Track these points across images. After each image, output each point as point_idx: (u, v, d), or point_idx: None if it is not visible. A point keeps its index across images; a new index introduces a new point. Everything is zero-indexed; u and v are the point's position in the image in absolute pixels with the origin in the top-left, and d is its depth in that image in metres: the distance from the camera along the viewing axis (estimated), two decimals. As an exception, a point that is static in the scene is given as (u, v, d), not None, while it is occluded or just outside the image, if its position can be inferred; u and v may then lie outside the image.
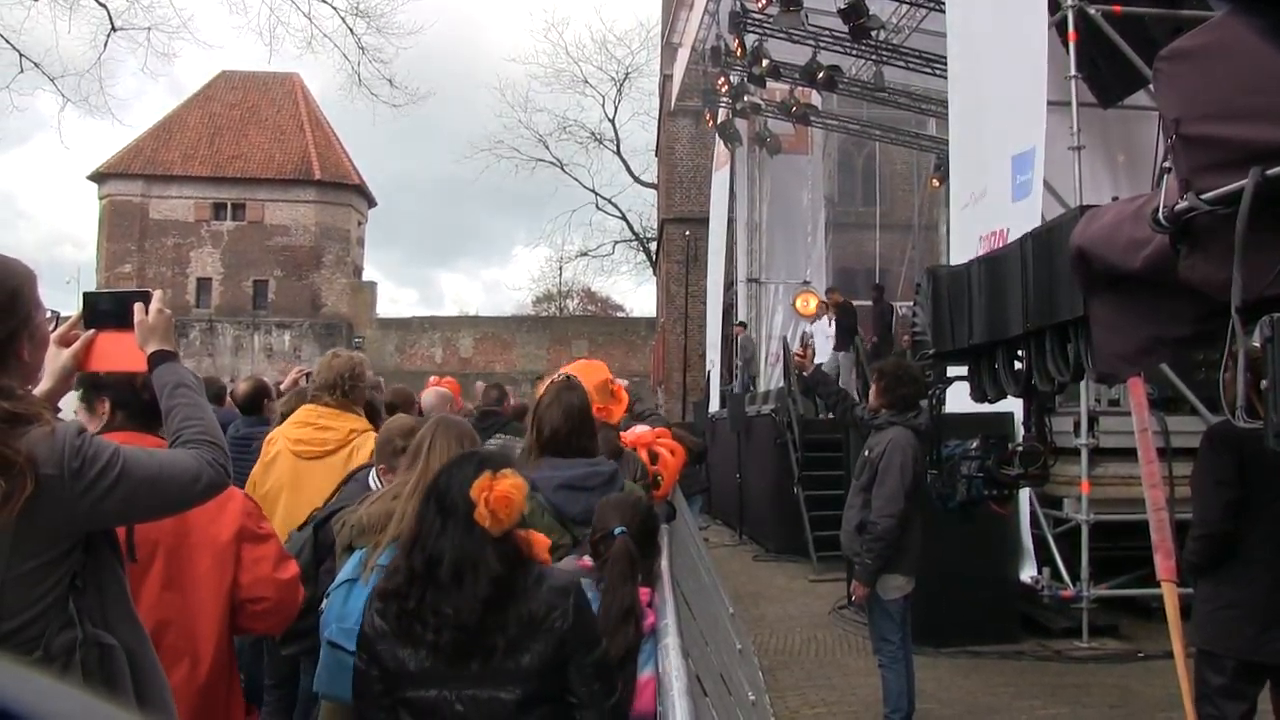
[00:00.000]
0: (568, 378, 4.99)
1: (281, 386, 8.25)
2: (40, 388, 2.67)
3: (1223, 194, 3.19)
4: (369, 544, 3.70)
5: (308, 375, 8.44)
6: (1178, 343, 4.54)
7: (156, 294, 2.91)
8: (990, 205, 11.04)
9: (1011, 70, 10.97)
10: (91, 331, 2.85)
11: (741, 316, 26.16)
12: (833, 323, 20.43)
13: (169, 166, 51.89)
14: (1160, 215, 3.47)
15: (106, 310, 2.88)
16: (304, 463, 5.46)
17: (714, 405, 26.78)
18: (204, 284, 52.12)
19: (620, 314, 67.50)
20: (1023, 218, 9.99)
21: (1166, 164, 3.46)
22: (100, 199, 52.44)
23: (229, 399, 8.83)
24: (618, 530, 3.70)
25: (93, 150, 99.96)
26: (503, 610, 2.88)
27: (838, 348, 19.50)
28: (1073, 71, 10.56)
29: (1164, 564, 5.46)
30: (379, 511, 3.77)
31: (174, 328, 2.95)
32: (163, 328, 2.86)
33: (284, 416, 6.20)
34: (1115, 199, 5.23)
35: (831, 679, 9.14)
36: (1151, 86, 3.44)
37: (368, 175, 56.91)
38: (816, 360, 8.55)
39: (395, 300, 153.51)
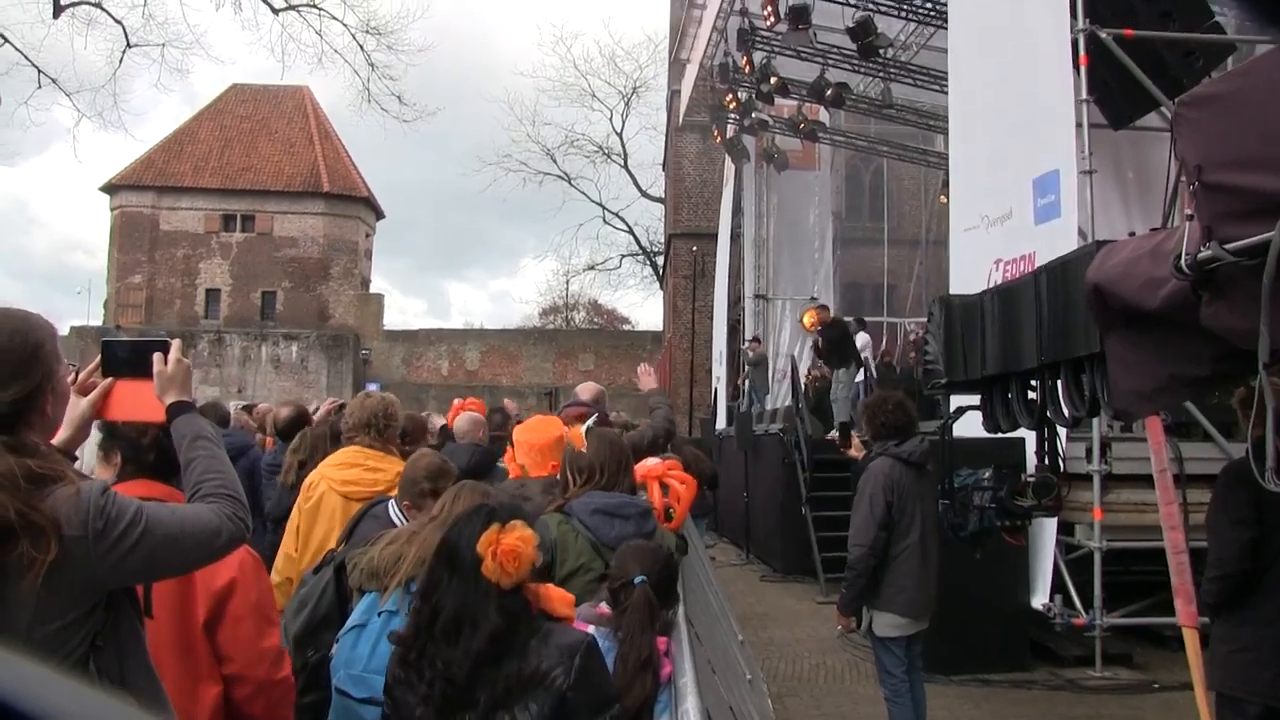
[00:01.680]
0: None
1: (315, 416, 8.19)
2: (58, 437, 2.64)
3: (1248, 245, 3.13)
4: (379, 587, 3.64)
5: (341, 407, 8.42)
6: (1196, 382, 4.46)
7: (175, 343, 2.88)
8: (1012, 229, 10.93)
9: (1028, 92, 10.89)
10: (110, 380, 2.82)
11: (749, 333, 26.10)
12: (819, 340, 20.23)
13: (180, 178, 52.01)
14: (1183, 262, 3.41)
15: (125, 359, 2.85)
16: (355, 504, 5.30)
17: (720, 422, 26.72)
18: (213, 295, 52.21)
19: (627, 327, 67.56)
20: (1050, 240, 9.91)
21: (1189, 212, 3.39)
22: (112, 210, 52.59)
23: (256, 424, 8.66)
24: (638, 579, 3.65)
25: (106, 161, 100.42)
26: (496, 666, 2.83)
27: (835, 365, 19.32)
28: (1084, 95, 10.51)
29: (1185, 609, 5.39)
30: (390, 555, 3.70)
31: (192, 376, 2.92)
32: (181, 378, 2.83)
33: (301, 465, 6.14)
34: (1132, 234, 5.17)
35: (841, 707, 9.08)
36: (1172, 131, 3.39)
37: (377, 185, 57.10)
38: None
39: (403, 310, 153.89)
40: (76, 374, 2.83)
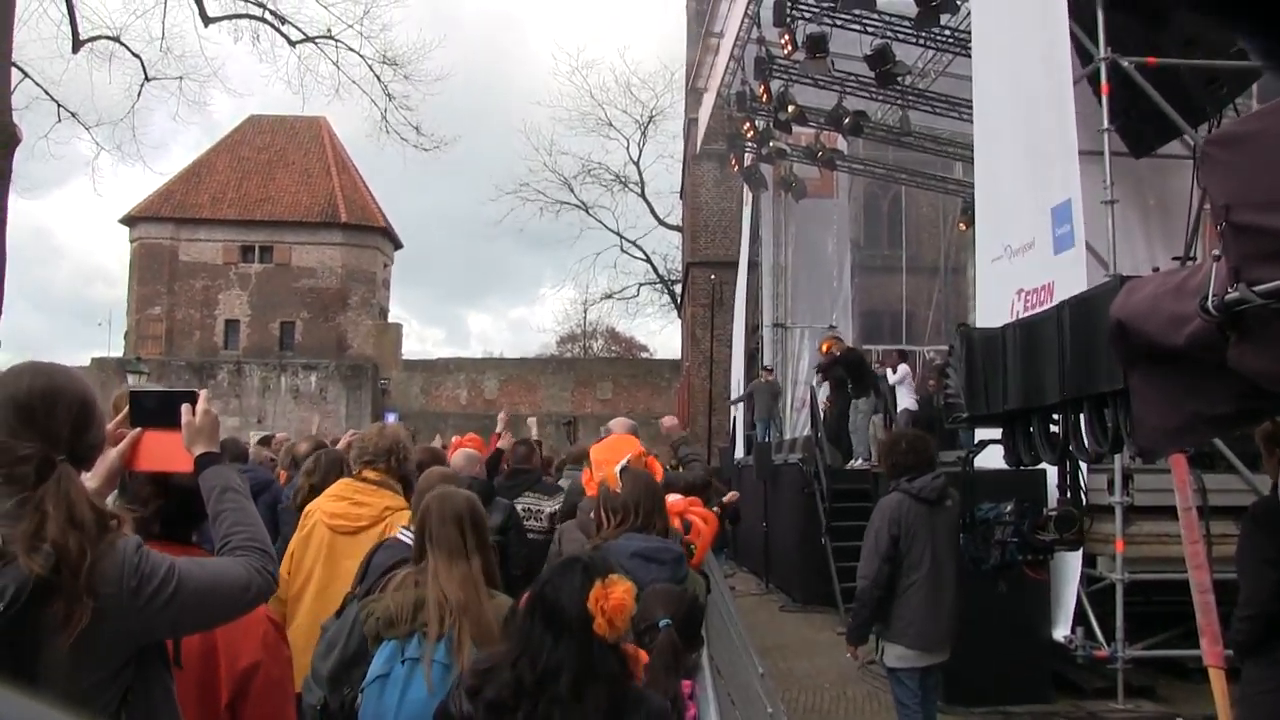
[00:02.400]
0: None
1: (338, 446, 8.20)
2: (87, 486, 2.64)
3: (1277, 288, 3.10)
4: (399, 635, 3.65)
5: None
6: (1221, 420, 4.42)
7: (203, 394, 2.90)
8: (1033, 259, 10.91)
9: (1043, 121, 10.88)
10: (138, 430, 2.84)
11: (767, 361, 26.05)
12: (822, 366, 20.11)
13: (198, 210, 52.22)
14: (1209, 303, 3.38)
15: (153, 409, 2.88)
16: (339, 537, 5.41)
17: (739, 451, 26.66)
18: (232, 325, 52.35)
19: (645, 354, 67.52)
20: (1066, 271, 9.90)
21: (1216, 252, 3.36)
22: (131, 241, 52.79)
23: (259, 455, 8.65)
24: (663, 622, 3.64)
25: (125, 193, 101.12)
26: (621, 715, 2.84)
27: (855, 395, 19.24)
28: (1105, 124, 10.49)
29: (1210, 649, 5.34)
30: (406, 601, 3.71)
31: (219, 428, 2.93)
32: (209, 429, 2.85)
33: (313, 489, 6.13)
34: (1156, 269, 5.14)
35: (862, 741, 9.02)
36: (1195, 166, 3.36)
37: (394, 214, 57.24)
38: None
39: (422, 339, 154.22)
40: None
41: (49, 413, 2.38)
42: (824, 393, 22.01)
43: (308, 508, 5.76)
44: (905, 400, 19.26)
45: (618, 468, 4.95)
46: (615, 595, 2.79)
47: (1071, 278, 9.59)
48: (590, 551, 3.98)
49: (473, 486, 6.10)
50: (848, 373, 18.65)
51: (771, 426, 22.96)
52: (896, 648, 7.03)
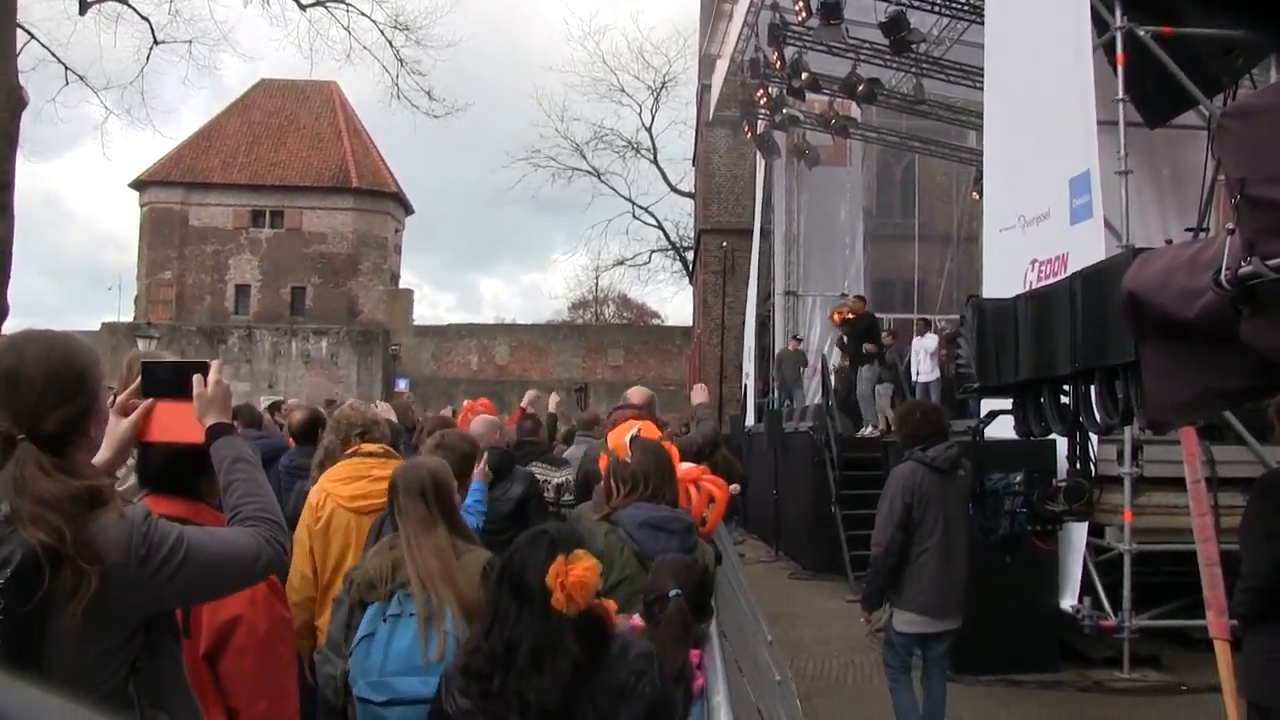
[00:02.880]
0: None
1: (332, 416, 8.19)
2: (98, 458, 2.66)
3: (1292, 262, 3.11)
4: (379, 597, 3.77)
5: None
6: (1232, 394, 4.44)
7: (215, 364, 2.89)
8: (1048, 229, 10.87)
9: (1061, 90, 10.82)
10: (150, 401, 2.85)
11: (779, 330, 26.03)
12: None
13: (208, 174, 52.20)
14: (1222, 277, 3.38)
15: (165, 379, 2.87)
16: (366, 518, 5.22)
17: (750, 419, 26.69)
18: (242, 290, 52.41)
19: (656, 321, 67.50)
20: (1083, 241, 9.87)
21: (1230, 225, 3.36)
22: (141, 206, 52.80)
23: (267, 422, 8.67)
24: (673, 592, 3.67)
25: (135, 157, 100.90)
26: (588, 683, 2.85)
27: (860, 361, 19.20)
28: (1120, 94, 10.43)
29: (1216, 621, 5.37)
30: (384, 564, 3.85)
31: (231, 399, 2.94)
32: (221, 400, 2.85)
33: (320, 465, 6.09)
34: (1169, 241, 5.13)
35: (870, 708, 9.05)
36: (1210, 139, 3.35)
37: (406, 180, 57.20)
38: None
39: (434, 305, 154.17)
40: (114, 396, 2.86)
41: (12, 390, 2.35)
42: (834, 360, 22.04)
43: (313, 497, 5.56)
44: (927, 373, 19.17)
45: (628, 437, 4.96)
46: (576, 571, 2.80)
47: (1088, 249, 9.56)
48: (564, 524, 4.02)
49: (493, 455, 6.15)
50: (857, 335, 18.66)
51: (796, 395, 22.98)
52: (906, 614, 7.16)
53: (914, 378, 19.40)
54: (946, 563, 7.04)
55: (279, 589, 3.46)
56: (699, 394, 8.61)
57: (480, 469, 5.69)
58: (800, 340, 24.19)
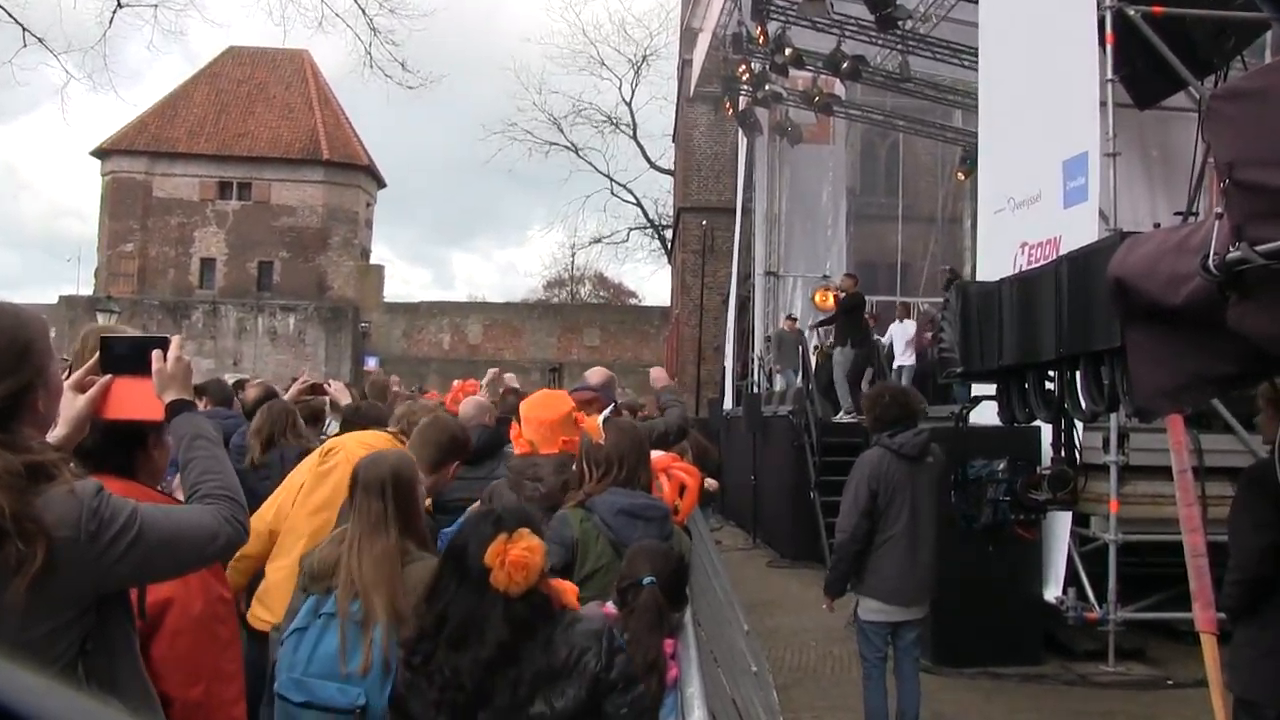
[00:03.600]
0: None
1: (285, 397, 8.11)
2: (54, 434, 2.64)
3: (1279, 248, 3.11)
4: (321, 590, 3.68)
5: (314, 388, 8.36)
6: (1221, 381, 4.43)
7: (175, 340, 2.89)
8: (1040, 212, 10.88)
9: (1057, 70, 10.81)
10: (108, 377, 2.83)
11: (759, 311, 26.03)
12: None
13: (174, 144, 51.85)
14: (1210, 262, 3.39)
15: (124, 355, 2.86)
16: None
17: (729, 402, 26.71)
18: (208, 264, 52.14)
19: (634, 301, 67.42)
20: (1077, 225, 9.89)
21: (1219, 210, 3.37)
22: (103, 175, 52.42)
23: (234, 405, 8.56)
24: (647, 580, 3.68)
25: (97, 125, 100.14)
26: (515, 665, 2.87)
27: (836, 342, 19.16)
28: (1109, 74, 10.43)
29: (1203, 614, 5.40)
30: (329, 558, 3.73)
31: (192, 375, 2.93)
32: (181, 376, 2.84)
33: (265, 447, 6.08)
34: (1157, 225, 5.15)
35: (847, 698, 9.06)
36: (1200, 121, 3.36)
37: (379, 153, 56.92)
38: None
39: (407, 281, 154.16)
40: (70, 369, 2.84)
41: None
42: (813, 342, 22.06)
43: (332, 444, 5.61)
44: (903, 359, 19.25)
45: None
46: (516, 551, 2.83)
47: (1081, 233, 9.57)
48: (514, 504, 3.99)
49: (480, 438, 6.14)
50: (844, 316, 18.64)
51: (796, 376, 22.94)
52: (871, 601, 7.21)
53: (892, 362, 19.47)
54: (911, 550, 7.10)
55: (218, 569, 3.38)
56: (658, 377, 8.53)
57: None
58: (795, 320, 24.10)
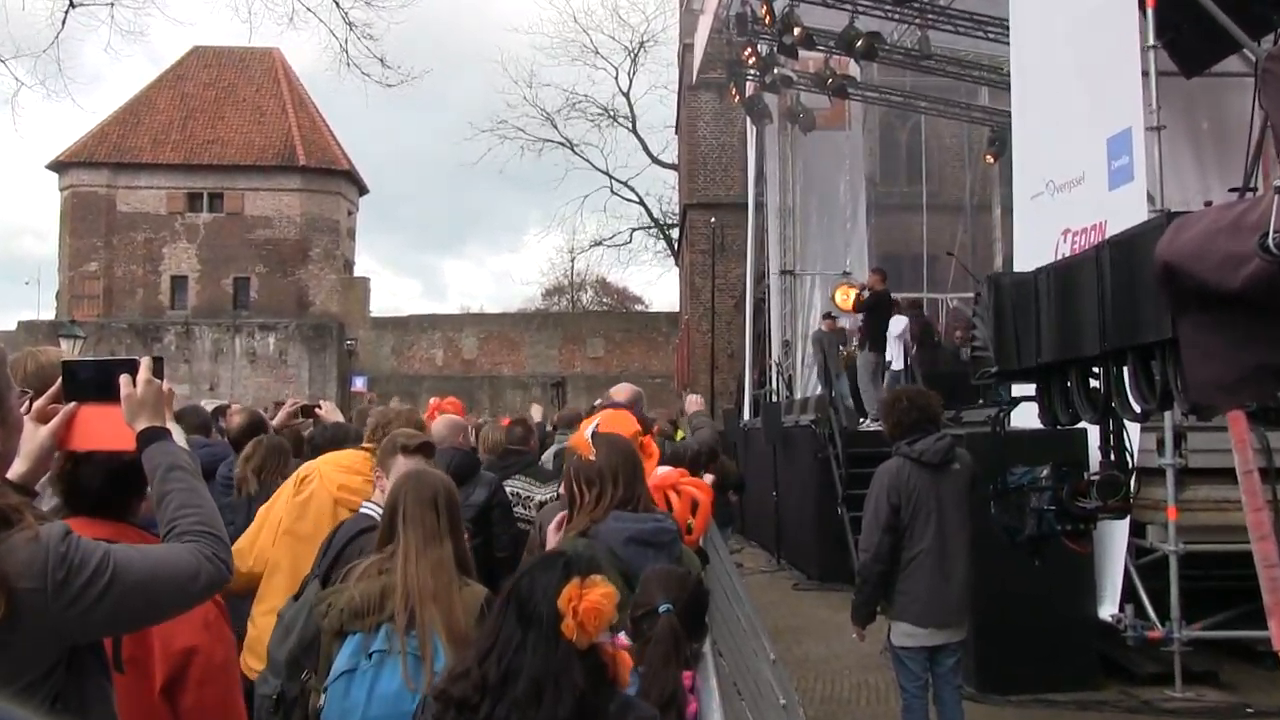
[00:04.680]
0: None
1: (274, 421, 8.06)
2: (14, 470, 2.61)
3: (1347, 223, 3.04)
4: (365, 627, 3.65)
5: (305, 410, 8.31)
6: (1284, 371, 4.36)
7: (145, 362, 2.84)
8: (1083, 195, 10.78)
9: (1095, 39, 10.71)
10: (72, 405, 2.78)
11: (775, 313, 25.94)
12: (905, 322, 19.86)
13: (137, 153, 51.99)
14: (1270, 241, 3.31)
15: (88, 380, 2.82)
16: (344, 511, 5.24)
17: (747, 413, 26.64)
18: (179, 282, 52.27)
19: (639, 307, 67.50)
20: (1124, 208, 9.78)
21: (1278, 182, 3.29)
22: (61, 190, 52.55)
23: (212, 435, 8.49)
24: (663, 608, 3.61)
25: (54, 134, 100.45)
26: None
27: (870, 346, 19.04)
28: (1151, 40, 10.32)
29: (1279, 631, 5.30)
30: (372, 591, 3.71)
31: (166, 400, 2.87)
32: (153, 401, 2.80)
33: (258, 476, 6.05)
34: (1208, 203, 5.07)
35: (886, 734, 9.03)
36: (1256, 84, 3.28)
37: (359, 156, 57.15)
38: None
39: (395, 293, 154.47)
40: (31, 401, 2.79)
41: None
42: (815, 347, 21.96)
43: (307, 470, 5.64)
44: (895, 358, 19.13)
45: (588, 432, 4.86)
46: (591, 598, 2.75)
47: (1128, 217, 9.46)
48: (581, 544, 3.93)
49: (454, 460, 6.09)
50: (868, 316, 18.56)
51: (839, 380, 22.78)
52: (902, 625, 7.10)
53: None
54: (942, 566, 6.98)
55: (223, 608, 3.43)
56: (693, 404, 8.59)
57: None
58: (835, 319, 23.87)
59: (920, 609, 7.00)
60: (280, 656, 3.94)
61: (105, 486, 2.97)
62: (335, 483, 5.47)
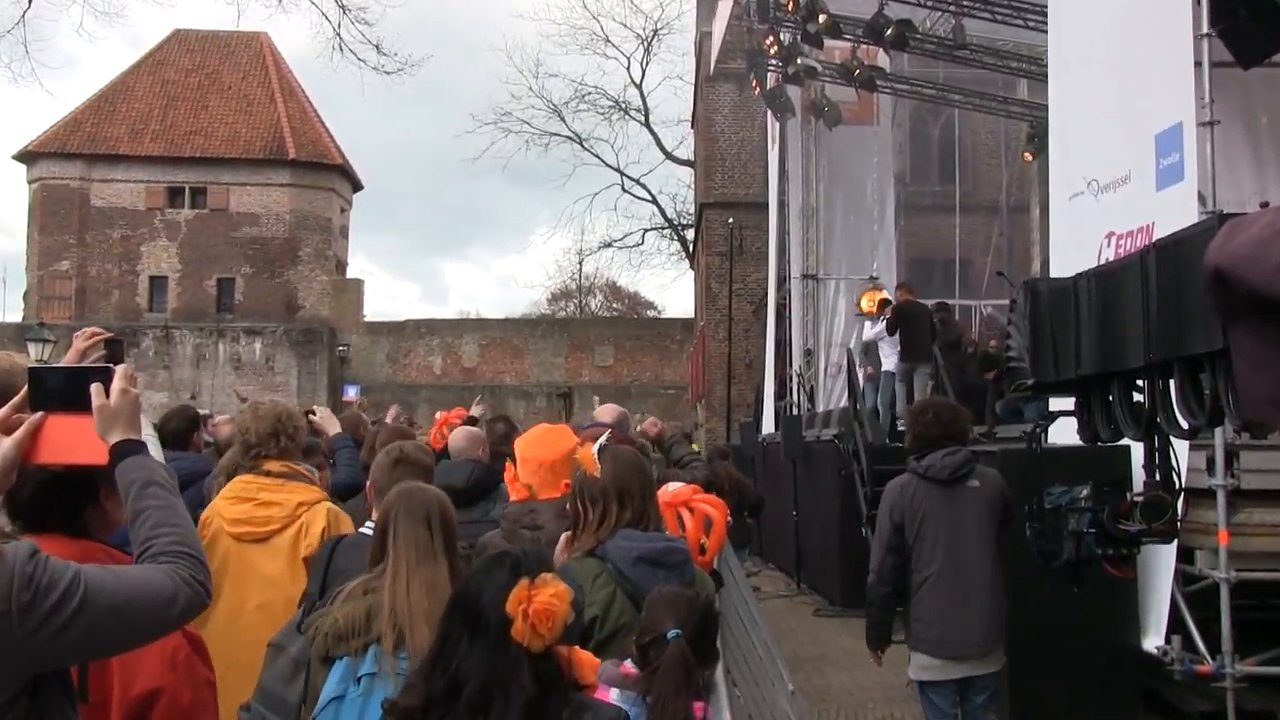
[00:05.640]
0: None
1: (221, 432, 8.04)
2: None
3: None
4: (350, 651, 3.67)
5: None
6: (1345, 386, 4.35)
7: (119, 370, 2.82)
8: (1128, 195, 10.75)
9: (1143, 27, 10.69)
10: (39, 415, 2.75)
11: (796, 319, 25.92)
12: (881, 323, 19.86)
13: (113, 144, 52.13)
14: (1331, 243, 3.30)
15: (57, 389, 2.80)
16: (246, 546, 5.29)
17: (767, 425, 26.62)
18: (158, 283, 52.39)
19: (652, 313, 67.54)
20: (1173, 209, 9.74)
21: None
22: (30, 183, 52.69)
23: (197, 437, 8.46)
24: (671, 633, 3.60)
25: (21, 123, 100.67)
26: None
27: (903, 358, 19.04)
28: (1205, 28, 10.29)
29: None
30: (356, 612, 3.74)
31: (141, 410, 2.87)
32: (127, 412, 2.78)
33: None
34: (1265, 204, 5.06)
35: (913, 773, 9.02)
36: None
37: (354, 150, 57.28)
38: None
39: (392, 297, 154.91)
40: None
41: None
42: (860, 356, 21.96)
43: (204, 515, 5.53)
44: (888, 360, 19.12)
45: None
46: (542, 598, 2.76)
47: (1178, 219, 9.43)
48: (529, 546, 3.93)
49: (474, 473, 6.09)
50: (898, 328, 18.55)
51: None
52: (919, 656, 7.09)
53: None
54: (957, 591, 6.95)
55: (200, 644, 3.42)
56: (649, 428, 8.45)
57: None
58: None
59: (935, 638, 6.97)
60: (291, 696, 3.96)
61: (41, 495, 2.94)
62: (229, 518, 5.42)
